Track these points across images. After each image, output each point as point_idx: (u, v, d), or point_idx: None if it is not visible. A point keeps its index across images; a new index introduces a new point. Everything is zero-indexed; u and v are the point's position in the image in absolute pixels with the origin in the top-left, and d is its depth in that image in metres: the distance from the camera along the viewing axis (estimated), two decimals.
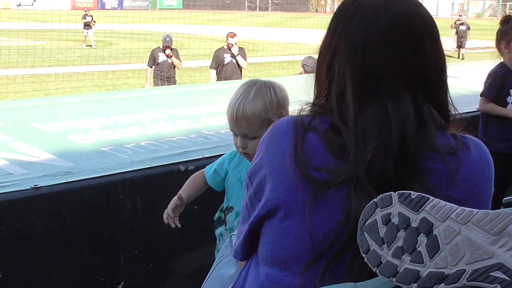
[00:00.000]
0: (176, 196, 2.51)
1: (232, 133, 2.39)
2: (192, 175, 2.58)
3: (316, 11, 59.73)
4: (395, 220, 1.14)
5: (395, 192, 1.20)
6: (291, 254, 1.35)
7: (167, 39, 10.54)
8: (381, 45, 1.36)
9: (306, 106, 1.47)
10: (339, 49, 1.41)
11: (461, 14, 31.10)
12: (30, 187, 2.55)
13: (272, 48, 19.70)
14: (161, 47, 10.66)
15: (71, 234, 2.67)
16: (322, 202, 1.31)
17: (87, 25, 23.49)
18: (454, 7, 50.24)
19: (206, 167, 2.56)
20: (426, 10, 1.44)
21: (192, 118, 4.08)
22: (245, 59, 10.46)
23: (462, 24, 21.92)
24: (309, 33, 21.38)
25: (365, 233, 1.18)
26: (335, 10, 1.52)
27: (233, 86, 6.42)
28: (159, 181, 2.52)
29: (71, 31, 20.33)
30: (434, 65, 1.38)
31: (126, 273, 2.84)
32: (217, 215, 2.59)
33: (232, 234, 2.04)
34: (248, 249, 1.53)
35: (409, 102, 1.32)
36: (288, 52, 19.78)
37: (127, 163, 2.92)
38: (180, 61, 10.88)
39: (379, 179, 1.26)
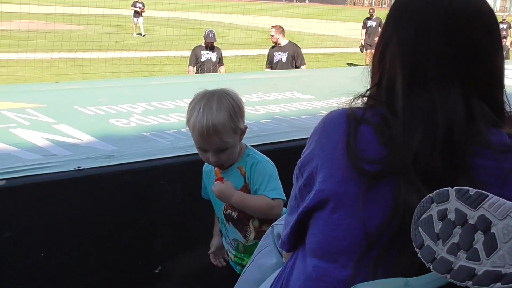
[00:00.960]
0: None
1: (198, 149, 2.37)
2: None
3: (354, 4, 59.36)
4: (451, 216, 1.13)
5: (443, 186, 1.20)
6: (341, 246, 1.35)
7: (210, 35, 9.64)
8: (432, 36, 1.34)
9: (357, 97, 1.47)
10: (391, 40, 1.41)
11: (503, 11, 30.61)
12: (73, 169, 2.58)
13: (309, 40, 19.63)
14: (203, 44, 9.77)
15: (111, 216, 2.69)
16: (374, 194, 1.31)
17: (137, 13, 23.42)
18: (496, 3, 49.53)
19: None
20: (486, 3, 1.41)
21: None
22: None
23: (502, 22, 21.57)
24: (346, 26, 21.30)
25: (419, 227, 1.17)
26: (373, 3, 1.51)
27: (270, 77, 6.43)
28: (200, 168, 2.52)
29: (107, 16, 20.46)
30: (489, 61, 1.36)
31: (164, 258, 2.87)
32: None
33: (273, 224, 2.04)
34: (295, 240, 1.53)
35: (458, 95, 1.31)
36: (324, 44, 19.72)
37: (168, 149, 2.93)
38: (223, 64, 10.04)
39: (426, 171, 1.26)
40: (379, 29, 16.16)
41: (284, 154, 3.04)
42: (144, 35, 22.61)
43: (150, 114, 3.73)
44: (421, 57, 1.34)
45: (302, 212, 1.44)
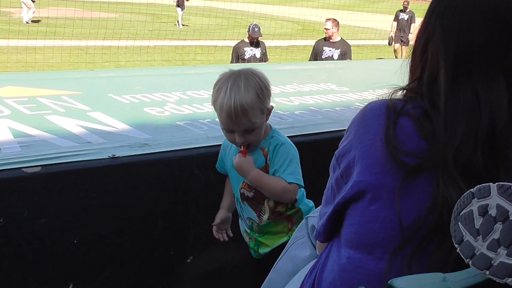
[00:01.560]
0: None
1: (224, 130, 2.37)
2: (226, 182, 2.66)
3: None
4: (492, 212, 1.11)
5: (482, 181, 1.18)
6: (377, 238, 1.35)
7: (256, 29, 8.79)
8: (477, 28, 1.33)
9: (397, 90, 1.46)
10: (434, 32, 1.40)
11: None
12: (108, 157, 2.60)
13: (342, 31, 19.52)
14: (246, 40, 8.99)
15: (144, 205, 2.71)
16: (411, 187, 1.30)
17: (180, 5, 23.37)
18: None
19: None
20: None
21: None
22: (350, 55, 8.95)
23: None
24: (379, 18, 21.13)
25: (459, 223, 1.16)
26: None
27: (304, 68, 6.40)
28: None
29: (142, 5, 20.59)
30: None
31: (196, 248, 2.88)
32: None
33: (307, 216, 2.04)
34: (330, 231, 1.52)
35: (503, 89, 1.29)
36: (357, 36, 19.58)
37: (202, 138, 2.94)
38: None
39: (466, 166, 1.24)
40: (411, 23, 15.74)
41: (318, 146, 3.04)
42: (182, 26, 22.65)
43: (184, 103, 3.74)
44: (465, 49, 1.33)
45: (339, 203, 1.43)
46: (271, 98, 2.38)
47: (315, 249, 1.87)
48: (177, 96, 3.98)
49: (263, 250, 2.53)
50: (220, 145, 2.65)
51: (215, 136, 2.93)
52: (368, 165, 1.35)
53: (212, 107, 2.38)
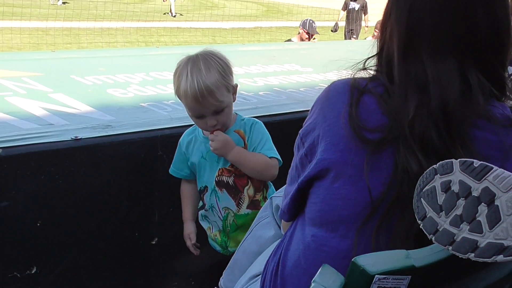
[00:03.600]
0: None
1: (193, 118, 2.37)
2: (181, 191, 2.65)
3: None
4: (455, 188, 1.13)
5: (441, 156, 1.20)
6: (340, 215, 1.36)
7: (314, 25, 8.66)
8: (427, 8, 1.36)
9: (360, 70, 1.48)
10: (391, 12, 1.43)
11: None
12: (70, 138, 2.56)
13: (307, 12, 19.55)
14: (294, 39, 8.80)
15: (109, 187, 2.69)
16: (376, 163, 1.32)
17: None
18: None
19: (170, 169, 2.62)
20: None
21: None
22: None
23: None
24: None
25: (422, 199, 1.17)
26: None
27: (268, 49, 6.39)
28: None
29: None
30: (487, 34, 1.36)
31: (161, 229, 2.87)
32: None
33: (272, 196, 2.06)
34: (295, 210, 1.54)
35: (452, 67, 1.32)
36: (322, 17, 19.61)
37: (166, 120, 2.92)
38: None
39: (422, 139, 1.27)
40: (363, 14, 15.20)
41: (283, 126, 3.05)
42: (175, 16, 22.14)
43: (148, 85, 3.71)
44: (415, 28, 1.37)
45: (303, 181, 1.45)
46: (234, 78, 2.38)
47: (280, 228, 1.88)
48: (141, 77, 3.94)
49: (232, 248, 2.50)
50: (185, 126, 2.64)
51: (179, 117, 2.91)
52: (332, 143, 1.36)
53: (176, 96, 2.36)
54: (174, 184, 2.70)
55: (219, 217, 2.53)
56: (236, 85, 2.40)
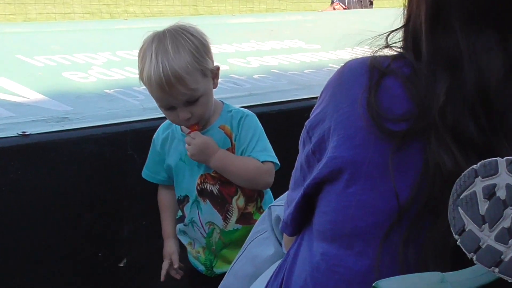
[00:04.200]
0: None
1: (162, 109, 2.36)
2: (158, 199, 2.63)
3: None
4: (501, 193, 1.12)
5: (481, 153, 1.19)
6: (357, 227, 1.35)
7: None
8: None
9: (383, 48, 1.47)
10: None
11: None
12: (17, 134, 2.56)
13: None
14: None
15: (66, 194, 2.68)
16: (402, 161, 1.30)
17: None
18: None
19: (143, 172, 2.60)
20: None
21: (218, 58, 4.05)
22: None
23: None
24: None
25: (459, 208, 1.16)
26: None
27: (264, 21, 6.39)
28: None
29: None
30: None
31: (131, 248, 2.86)
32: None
33: (271, 205, 2.04)
34: (300, 221, 1.53)
35: (493, 42, 1.31)
36: None
37: (138, 110, 2.92)
38: None
39: (456, 131, 1.25)
40: None
41: (284, 118, 3.04)
42: None
43: (114, 67, 3.72)
44: None
45: (310, 184, 1.44)
46: (213, 58, 2.36)
47: (281, 245, 1.87)
48: (105, 57, 3.94)
49: (219, 269, 2.49)
50: (160, 118, 2.63)
51: (154, 107, 2.89)
52: (346, 137, 1.36)
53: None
54: (148, 190, 2.70)
55: (201, 233, 2.51)
56: (217, 68, 2.39)
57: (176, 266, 2.56)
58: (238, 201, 2.45)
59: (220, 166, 2.37)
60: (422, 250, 1.27)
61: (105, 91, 3.21)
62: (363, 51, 1.47)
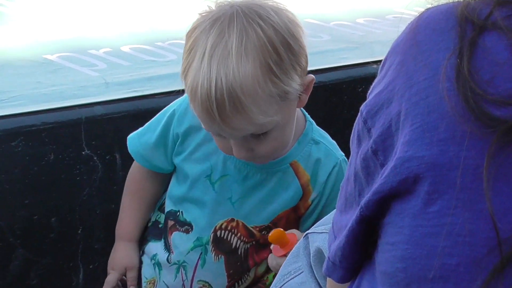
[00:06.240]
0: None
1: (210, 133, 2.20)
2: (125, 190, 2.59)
3: None
4: None
5: None
6: (445, 266, 1.32)
7: None
8: None
9: None
10: None
11: None
12: None
13: None
14: None
15: None
16: (508, 163, 1.29)
17: None
18: None
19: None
20: None
21: None
22: None
23: None
24: None
25: None
26: None
27: None
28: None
29: None
30: None
31: (86, 280, 2.88)
32: (153, 216, 2.57)
33: (308, 232, 1.98)
34: (355, 259, 1.52)
35: None
36: None
37: (97, 86, 2.93)
38: None
39: None
40: None
41: (326, 95, 3.04)
42: None
43: (58, 16, 3.72)
44: None
45: (370, 202, 1.39)
46: (307, 59, 2.18)
47: None
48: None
49: None
50: (134, 97, 2.64)
51: (122, 80, 2.92)
52: (425, 128, 1.34)
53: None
54: (111, 201, 2.71)
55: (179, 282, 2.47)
56: (310, 80, 2.20)
57: (131, 284, 2.54)
58: (258, 269, 2.45)
59: None
60: None
61: (44, 56, 3.21)
62: None
